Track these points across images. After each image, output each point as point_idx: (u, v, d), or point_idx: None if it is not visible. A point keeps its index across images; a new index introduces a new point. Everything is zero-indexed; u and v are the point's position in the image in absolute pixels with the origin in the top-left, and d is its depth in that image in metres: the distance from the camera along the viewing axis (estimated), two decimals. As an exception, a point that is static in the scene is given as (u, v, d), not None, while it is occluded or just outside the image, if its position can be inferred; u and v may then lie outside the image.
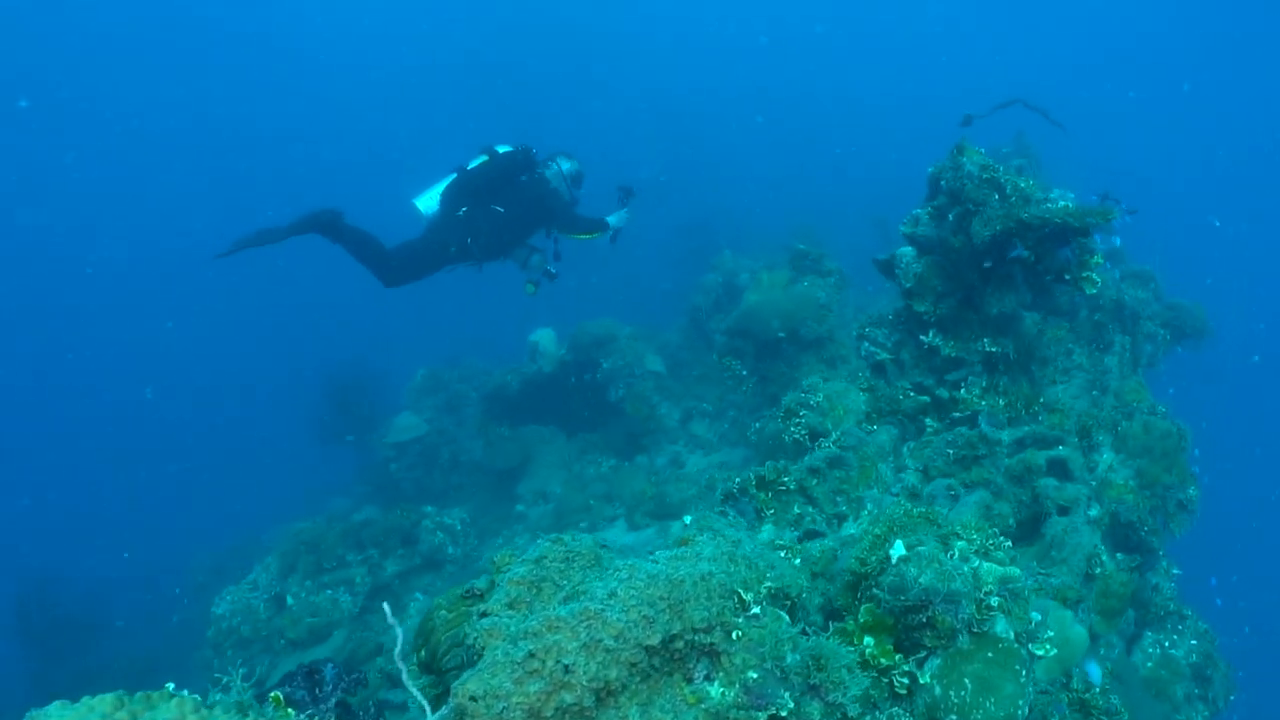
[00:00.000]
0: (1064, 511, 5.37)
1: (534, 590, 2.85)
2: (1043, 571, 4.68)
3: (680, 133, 31.83)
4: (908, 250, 6.45)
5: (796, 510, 5.05)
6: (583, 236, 10.40)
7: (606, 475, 12.08)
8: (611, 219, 10.35)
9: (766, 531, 5.04)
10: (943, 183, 5.99)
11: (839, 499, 5.23)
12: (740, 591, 2.97)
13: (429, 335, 23.93)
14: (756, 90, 36.63)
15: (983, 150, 6.01)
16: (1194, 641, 6.46)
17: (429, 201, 10.17)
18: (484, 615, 2.76)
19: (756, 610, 2.96)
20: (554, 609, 2.65)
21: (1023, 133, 11.43)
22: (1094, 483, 5.70)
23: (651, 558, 3.02)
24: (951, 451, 5.42)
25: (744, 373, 10.16)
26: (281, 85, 45.39)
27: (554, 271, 10.50)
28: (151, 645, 14.34)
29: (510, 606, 2.77)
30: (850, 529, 5.06)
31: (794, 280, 10.15)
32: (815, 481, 5.19)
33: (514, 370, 13.96)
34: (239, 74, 44.37)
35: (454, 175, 10.12)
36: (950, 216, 6.00)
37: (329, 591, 10.93)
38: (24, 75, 40.15)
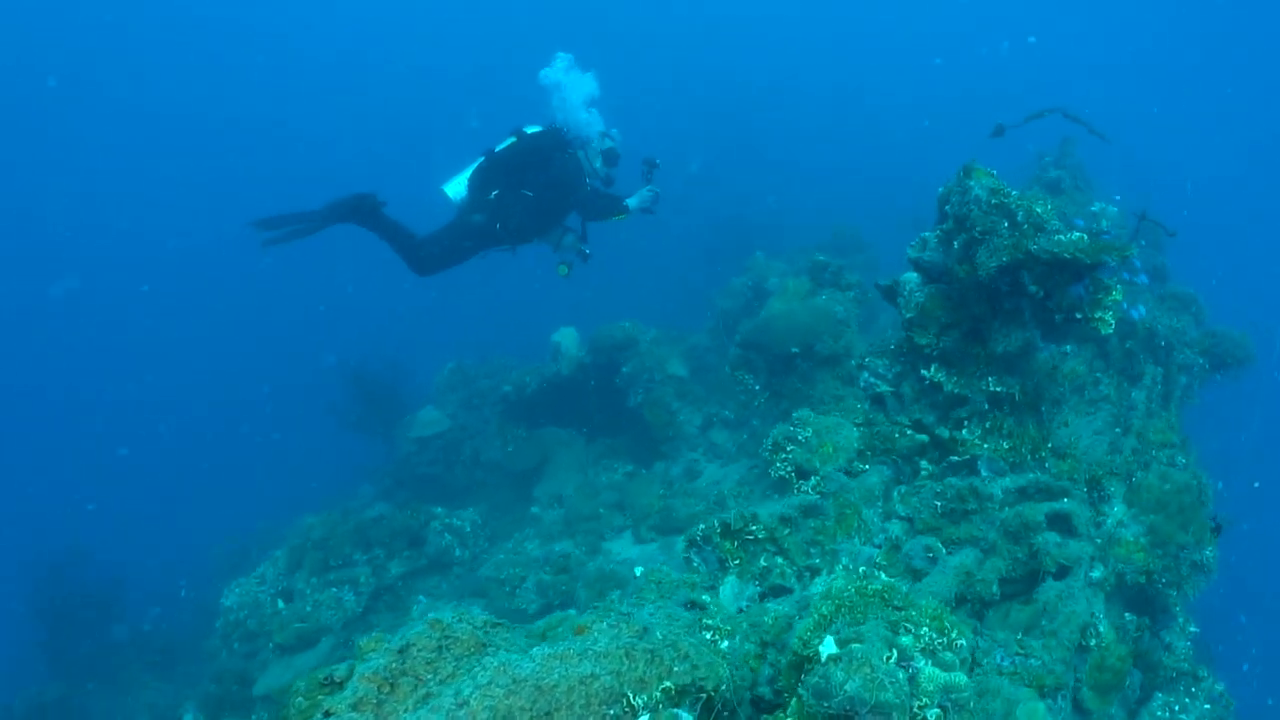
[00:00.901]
0: (1063, 572, 4.92)
1: (387, 688, 2.55)
2: (1021, 651, 4.25)
3: (725, 123, 31.16)
4: (912, 276, 6.01)
5: (763, 563, 4.68)
6: (616, 218, 10.07)
7: (619, 483, 11.77)
8: (632, 200, 9.95)
9: (729, 585, 4.69)
10: (948, 207, 5.54)
11: (813, 550, 4.84)
12: (630, 695, 2.64)
13: (461, 328, 23.84)
14: (807, 82, 35.85)
15: (994, 172, 5.55)
16: (1207, 706, 5.95)
17: (457, 187, 9.92)
18: (328, 715, 2.47)
19: (647, 717, 2.62)
20: (400, 717, 2.35)
21: (1069, 140, 10.79)
22: (1100, 540, 5.23)
23: (529, 655, 2.69)
24: (939, 504, 4.99)
25: (756, 387, 9.76)
26: (303, 81, 45.79)
27: (588, 252, 10.17)
28: (169, 629, 14.48)
29: (356, 708, 2.48)
30: (819, 587, 4.68)
31: (812, 293, 9.71)
32: (787, 531, 4.80)
33: (533, 370, 13.71)
34: (259, 72, 44.95)
35: (481, 159, 9.86)
36: (955, 244, 5.55)
37: (334, 590, 10.81)
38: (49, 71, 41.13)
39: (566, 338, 13.67)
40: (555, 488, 13.04)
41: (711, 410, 12.86)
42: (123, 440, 27.91)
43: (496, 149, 9.88)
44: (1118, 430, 6.84)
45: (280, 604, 9.94)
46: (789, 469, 5.73)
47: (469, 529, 11.92)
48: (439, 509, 11.92)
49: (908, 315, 5.81)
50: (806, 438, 5.75)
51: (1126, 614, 5.60)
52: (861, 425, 5.99)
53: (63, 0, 41.03)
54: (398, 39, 47.54)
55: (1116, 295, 5.26)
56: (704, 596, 4.27)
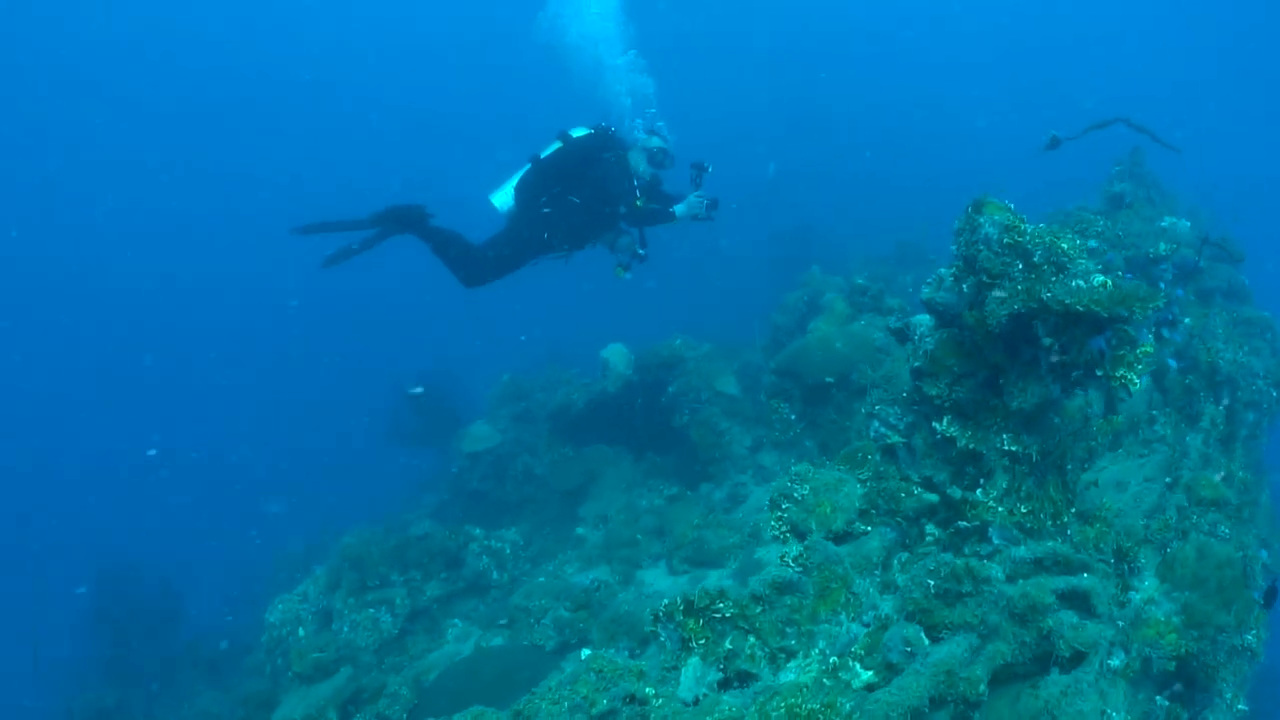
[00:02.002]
0: (1076, 660, 4.40)
1: None
2: (1000, 768, 3.77)
3: (802, 131, 30.33)
4: (924, 319, 5.50)
5: (729, 644, 4.29)
6: (662, 225, 9.75)
7: (659, 508, 11.43)
8: (679, 208, 9.58)
9: (691, 668, 4.32)
10: (954, 247, 5.04)
11: (789, 630, 4.43)
12: None
13: (524, 339, 23.83)
14: (888, 90, 34.76)
15: (1011, 206, 5.01)
16: (1261, 804, 5.30)
17: (504, 197, 9.75)
18: None
19: None
20: None
21: (1139, 149, 9.98)
22: (1123, 621, 4.67)
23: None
24: (932, 583, 4.51)
25: (792, 417, 9.31)
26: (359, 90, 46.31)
27: (643, 253, 9.88)
28: (226, 639, 14.74)
29: None
30: (789, 675, 4.27)
31: (851, 318, 9.20)
32: (760, 610, 4.41)
33: (581, 388, 13.52)
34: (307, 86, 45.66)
35: (528, 166, 9.65)
36: (964, 286, 5.04)
37: (370, 610, 10.77)
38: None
39: (615, 354, 13.43)
40: (601, 508, 12.82)
41: (761, 431, 12.42)
42: (191, 448, 28.76)
43: (542, 155, 9.67)
44: (1168, 480, 6.20)
45: (300, 631, 9.91)
46: (784, 529, 5.31)
47: (508, 551, 11.77)
48: (478, 530, 11.79)
49: (915, 364, 5.31)
50: (803, 495, 5.32)
51: (1158, 697, 5.01)
52: (869, 480, 5.53)
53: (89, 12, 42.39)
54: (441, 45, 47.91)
55: (1147, 348, 4.68)
56: (648, 689, 3.93)
